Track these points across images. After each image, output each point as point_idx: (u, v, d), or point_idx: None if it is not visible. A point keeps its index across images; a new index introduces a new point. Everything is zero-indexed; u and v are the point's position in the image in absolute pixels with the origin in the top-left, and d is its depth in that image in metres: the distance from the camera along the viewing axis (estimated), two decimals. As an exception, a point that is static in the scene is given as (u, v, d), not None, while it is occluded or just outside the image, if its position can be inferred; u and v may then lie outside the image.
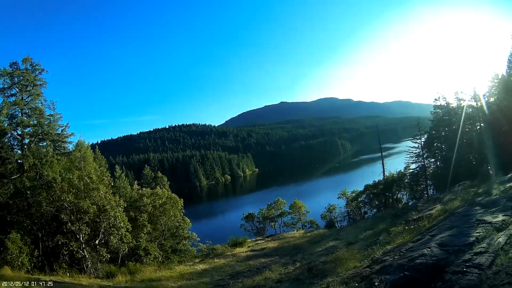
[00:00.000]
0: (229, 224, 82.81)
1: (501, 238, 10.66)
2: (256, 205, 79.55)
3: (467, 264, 9.43)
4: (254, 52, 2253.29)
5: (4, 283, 16.05)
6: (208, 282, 21.53)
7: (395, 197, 56.25)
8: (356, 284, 10.60)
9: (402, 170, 58.40)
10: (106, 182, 34.69)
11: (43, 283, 18.41)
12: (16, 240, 26.79)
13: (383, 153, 64.78)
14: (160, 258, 36.70)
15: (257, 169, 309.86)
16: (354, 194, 62.77)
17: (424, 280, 9.39)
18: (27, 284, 17.52)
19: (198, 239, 49.18)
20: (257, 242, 41.52)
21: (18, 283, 16.66)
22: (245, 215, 64.93)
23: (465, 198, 21.18)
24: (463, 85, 55.05)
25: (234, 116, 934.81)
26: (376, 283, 9.76)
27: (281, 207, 64.39)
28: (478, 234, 11.61)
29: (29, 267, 26.46)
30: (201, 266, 29.00)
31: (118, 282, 22.55)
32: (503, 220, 12.37)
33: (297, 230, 55.76)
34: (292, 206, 64.00)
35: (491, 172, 39.28)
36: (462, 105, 52.76)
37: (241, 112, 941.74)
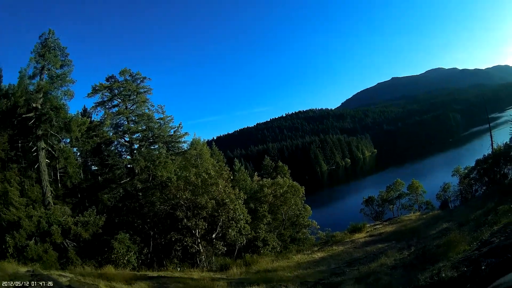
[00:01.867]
0: (349, 209, 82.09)
1: None
2: (376, 187, 78.03)
3: None
4: (362, 29, 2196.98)
5: (102, 283, 16.70)
6: (324, 270, 21.35)
7: (502, 172, 52.49)
8: (465, 268, 10.16)
9: (508, 142, 54.20)
10: (226, 176, 35.22)
11: (149, 279, 19.04)
12: (124, 239, 28.42)
13: (491, 124, 60.68)
14: (278, 248, 36.82)
15: (375, 150, 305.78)
16: (466, 171, 59.64)
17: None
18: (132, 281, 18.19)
19: (318, 226, 48.63)
20: (375, 226, 40.72)
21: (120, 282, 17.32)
22: (365, 199, 63.99)
23: None
24: None
25: (349, 97, 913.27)
26: (483, 267, 9.18)
27: (400, 188, 62.78)
28: None
29: (136, 265, 27.83)
30: (319, 255, 28.76)
31: (232, 274, 22.77)
32: None
33: (413, 212, 53.96)
34: (409, 186, 62.22)
35: None
36: None
37: (356, 92, 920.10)
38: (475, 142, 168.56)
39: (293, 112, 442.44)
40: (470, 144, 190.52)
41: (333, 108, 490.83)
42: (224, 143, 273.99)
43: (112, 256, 27.53)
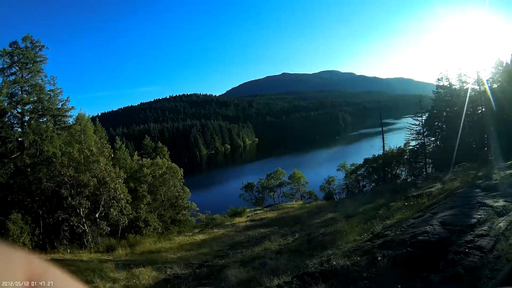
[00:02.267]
0: (228, 194, 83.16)
1: (502, 223, 10.64)
2: (256, 175, 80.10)
3: (469, 245, 9.33)
4: (255, 22, 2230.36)
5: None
6: (207, 252, 22.05)
7: (394, 172, 56.65)
8: (358, 258, 10.46)
9: (402, 146, 58.43)
10: (107, 154, 34.74)
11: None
12: (17, 220, 27.13)
13: (384, 128, 64.52)
14: (159, 229, 36.96)
15: (257, 139, 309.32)
16: (353, 167, 63.13)
17: (427, 257, 9.21)
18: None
19: (198, 209, 48.88)
20: (256, 212, 41.98)
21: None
22: (245, 184, 65.72)
23: (465, 180, 21.17)
24: (466, 68, 53.76)
25: (236, 86, 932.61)
26: (379, 258, 9.65)
27: (281, 177, 65.05)
28: (479, 216, 11.56)
29: (30, 247, 26.74)
30: (200, 237, 29.42)
31: (118, 255, 22.85)
32: (504, 205, 12.34)
33: (295, 201, 56.29)
34: (291, 176, 64.66)
35: (490, 157, 39.55)
36: (465, 88, 52.52)
37: (243, 82, 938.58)
38: (363, 142, 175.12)
39: (177, 95, 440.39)
40: (358, 143, 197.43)
41: (217, 95, 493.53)
42: (108, 120, 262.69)
43: (9, 238, 25.85)
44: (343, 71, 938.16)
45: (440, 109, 56.49)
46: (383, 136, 61.30)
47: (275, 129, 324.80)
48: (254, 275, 12.47)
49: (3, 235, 26.61)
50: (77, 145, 36.28)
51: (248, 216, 38.25)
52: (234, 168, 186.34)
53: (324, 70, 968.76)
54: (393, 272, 8.94)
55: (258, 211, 42.44)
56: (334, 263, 10.50)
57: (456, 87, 54.76)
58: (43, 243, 29.68)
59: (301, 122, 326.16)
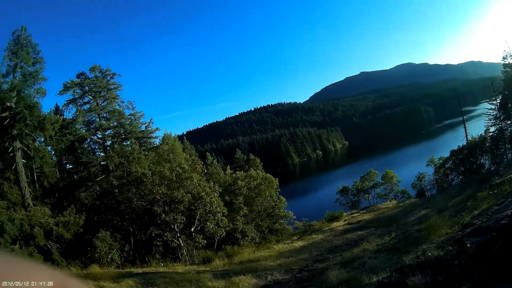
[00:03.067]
0: (324, 200, 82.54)
1: None
2: (349, 178, 78.07)
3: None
4: (330, 24, 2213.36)
5: (90, 283, 16.66)
6: (307, 258, 21.53)
7: (478, 162, 53.76)
8: (450, 247, 10.55)
9: (483, 134, 55.40)
10: (199, 169, 35.31)
11: (135, 276, 19.09)
12: (105, 238, 28.25)
13: (464, 117, 61.77)
14: (257, 239, 37.02)
15: (346, 142, 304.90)
16: (441, 161, 60.81)
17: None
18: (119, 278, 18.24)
19: (294, 217, 49.13)
20: (352, 215, 41.13)
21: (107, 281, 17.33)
22: (340, 188, 64.54)
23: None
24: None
25: (318, 91, 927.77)
26: (468, 245, 9.62)
27: (374, 178, 63.58)
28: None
29: (119, 262, 27.68)
30: (299, 243, 28.99)
31: (215, 266, 22.80)
32: None
33: (390, 201, 54.69)
34: (384, 176, 63.16)
35: None
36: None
37: (324, 87, 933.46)
38: (449, 134, 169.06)
39: (262, 106, 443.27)
40: (443, 136, 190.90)
41: (301, 102, 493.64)
42: (194, 138, 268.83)
43: (96, 255, 27.36)
44: (417, 62, 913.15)
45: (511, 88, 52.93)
46: (464, 125, 58.92)
47: (363, 129, 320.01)
48: (354, 274, 12.48)
49: (90, 252, 28.13)
50: (167, 164, 37.27)
51: (345, 220, 37.50)
52: (328, 174, 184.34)
53: (399, 64, 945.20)
54: (481, 257, 8.67)
55: (355, 214, 41.56)
56: (429, 254, 10.69)
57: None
58: (133, 258, 30.91)
59: (387, 120, 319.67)
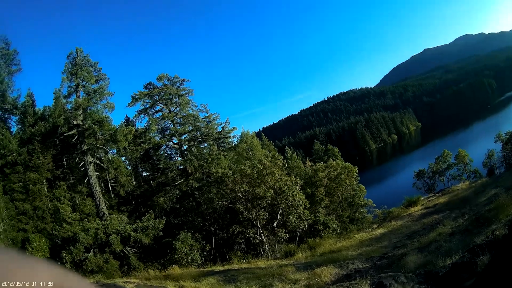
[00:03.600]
0: (401, 185, 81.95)
1: None
2: (425, 160, 78.24)
3: None
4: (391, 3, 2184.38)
5: (170, 283, 16.80)
6: (386, 245, 21.64)
7: None
8: None
9: None
10: (280, 164, 35.30)
11: (216, 274, 19.11)
12: (186, 239, 28.84)
13: None
14: (338, 229, 36.49)
15: (419, 123, 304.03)
16: (507, 136, 58.04)
17: None
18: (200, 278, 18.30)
19: (374, 205, 49.07)
20: (429, 199, 40.51)
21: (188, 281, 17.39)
22: (416, 172, 63.99)
23: None
24: None
25: (386, 73, 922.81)
26: None
27: (448, 159, 62.45)
28: None
29: (200, 262, 27.95)
30: (379, 231, 28.76)
31: (297, 259, 22.78)
32: None
33: (463, 182, 53.17)
34: (457, 156, 61.95)
35: None
36: None
37: (392, 68, 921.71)
38: None
39: (335, 95, 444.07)
40: (507, 108, 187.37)
41: (372, 86, 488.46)
42: (271, 133, 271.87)
43: (175, 256, 27.93)
44: (473, 33, 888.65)
45: None
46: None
47: (433, 108, 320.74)
48: (431, 258, 13.02)
49: (170, 254, 28.76)
50: (247, 161, 37.41)
51: (422, 204, 36.77)
52: (404, 158, 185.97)
53: (457, 36, 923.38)
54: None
55: (431, 198, 40.82)
56: (497, 233, 11.28)
57: None
58: (214, 257, 31.28)
59: (454, 96, 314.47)
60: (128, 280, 18.34)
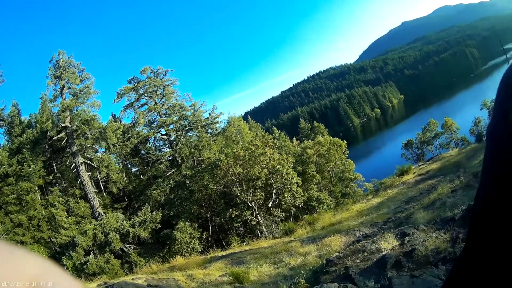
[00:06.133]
0: (389, 158, 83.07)
1: None
2: (411, 131, 78.54)
3: None
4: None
5: (178, 273, 16.92)
6: (387, 212, 21.67)
7: None
8: None
9: None
10: (271, 144, 35.47)
11: (221, 258, 19.28)
12: (185, 228, 29.04)
13: (507, 55, 58.86)
14: (332, 205, 36.80)
15: (402, 96, 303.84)
16: (493, 103, 58.64)
17: None
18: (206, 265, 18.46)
19: (363, 179, 49.23)
20: (420, 167, 40.79)
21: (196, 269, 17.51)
22: (404, 143, 64.01)
23: None
24: None
25: (365, 48, 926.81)
26: None
27: (435, 128, 62.54)
28: None
29: (200, 250, 28.22)
30: (376, 200, 28.84)
31: (299, 235, 22.72)
32: None
33: (452, 149, 53.62)
34: (443, 125, 61.97)
35: None
36: None
37: (371, 43, 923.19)
38: (496, 74, 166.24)
39: (315, 73, 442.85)
40: (492, 76, 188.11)
41: (352, 62, 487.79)
42: (254, 117, 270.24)
43: (176, 247, 28.17)
44: (452, 4, 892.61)
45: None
46: (509, 64, 56.66)
47: (415, 80, 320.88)
48: (439, 213, 13.40)
49: (170, 245, 29.10)
50: (237, 145, 37.65)
51: (414, 172, 36.92)
52: (389, 131, 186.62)
53: (436, 8, 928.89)
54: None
55: (422, 166, 40.97)
56: None
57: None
58: (211, 245, 31.35)
59: (436, 67, 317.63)
60: (135, 276, 18.33)
